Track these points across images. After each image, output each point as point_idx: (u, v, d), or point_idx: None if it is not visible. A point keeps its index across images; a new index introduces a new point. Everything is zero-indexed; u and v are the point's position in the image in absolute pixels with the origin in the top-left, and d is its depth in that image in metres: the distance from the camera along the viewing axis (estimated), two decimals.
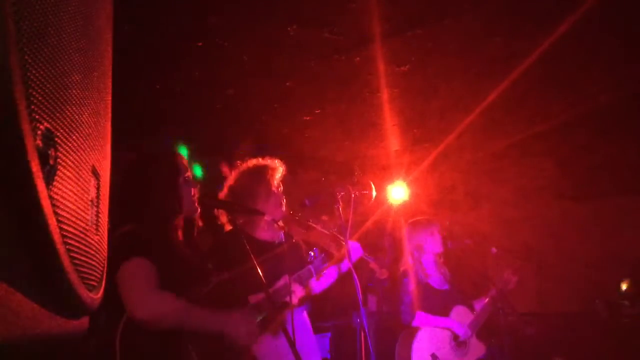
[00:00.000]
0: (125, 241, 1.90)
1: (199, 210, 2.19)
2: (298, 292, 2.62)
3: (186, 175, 2.12)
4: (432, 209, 5.22)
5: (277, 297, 2.53)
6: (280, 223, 2.77)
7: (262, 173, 2.82)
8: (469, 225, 5.43)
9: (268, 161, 2.89)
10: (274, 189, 2.80)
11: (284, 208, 2.82)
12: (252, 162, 2.90)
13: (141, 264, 1.86)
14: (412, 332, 3.50)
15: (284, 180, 2.90)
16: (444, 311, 3.54)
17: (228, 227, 2.78)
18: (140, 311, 1.78)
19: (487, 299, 3.55)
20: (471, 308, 3.62)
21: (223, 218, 2.78)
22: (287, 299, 2.51)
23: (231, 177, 2.88)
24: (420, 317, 3.48)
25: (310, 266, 2.74)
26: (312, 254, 2.83)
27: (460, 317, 3.55)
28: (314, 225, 2.92)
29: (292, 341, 1.96)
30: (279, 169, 2.87)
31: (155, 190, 2.04)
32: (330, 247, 2.91)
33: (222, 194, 2.83)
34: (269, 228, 2.80)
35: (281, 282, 2.58)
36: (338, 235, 2.84)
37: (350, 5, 2.42)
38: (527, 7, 2.51)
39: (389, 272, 5.00)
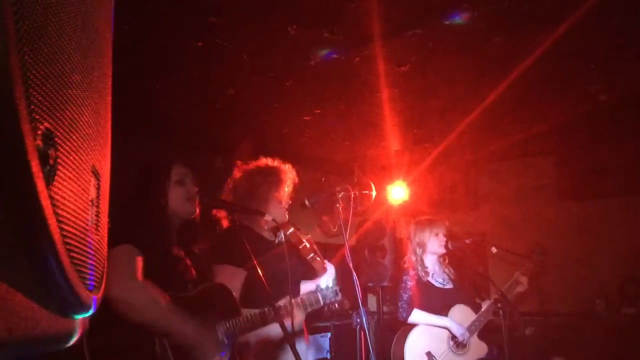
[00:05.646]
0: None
1: (196, 210, 2.18)
2: (298, 318, 2.46)
3: (179, 178, 2.13)
4: (432, 209, 5.22)
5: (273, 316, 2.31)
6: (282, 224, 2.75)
7: (276, 176, 2.76)
8: (469, 225, 5.43)
9: (282, 165, 2.82)
10: (285, 195, 2.76)
11: (286, 214, 2.79)
12: (264, 161, 2.82)
13: (130, 249, 1.88)
14: (407, 329, 3.50)
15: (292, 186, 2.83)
16: (445, 310, 3.54)
17: (225, 225, 2.69)
18: (116, 291, 1.75)
19: (490, 302, 3.53)
20: (475, 307, 3.60)
21: (222, 216, 2.73)
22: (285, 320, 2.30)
23: (237, 176, 2.80)
24: (416, 315, 3.47)
25: (319, 294, 2.59)
26: (326, 285, 2.66)
27: (460, 317, 3.53)
28: (307, 244, 2.78)
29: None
30: (292, 177, 2.82)
31: (142, 199, 2.09)
32: (314, 262, 2.79)
33: (226, 194, 2.78)
34: (269, 228, 2.79)
35: (282, 302, 2.41)
36: (324, 261, 2.73)
37: (350, 5, 2.42)
38: (527, 7, 2.51)
39: (389, 273, 4.98)
